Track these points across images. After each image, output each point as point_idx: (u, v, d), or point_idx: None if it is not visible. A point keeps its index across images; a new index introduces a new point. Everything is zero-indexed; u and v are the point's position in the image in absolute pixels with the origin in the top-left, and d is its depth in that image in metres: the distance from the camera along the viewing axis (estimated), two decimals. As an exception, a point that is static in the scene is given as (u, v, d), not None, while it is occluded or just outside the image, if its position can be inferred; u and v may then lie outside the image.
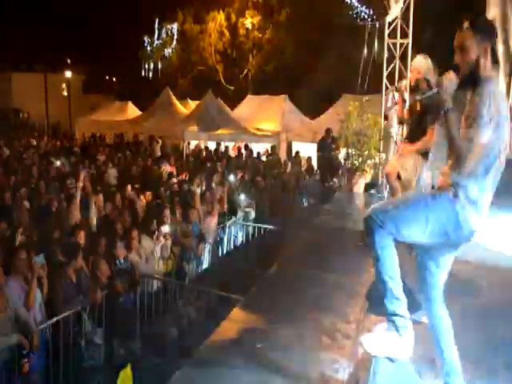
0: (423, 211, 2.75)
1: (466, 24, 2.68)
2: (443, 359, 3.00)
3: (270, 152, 19.51)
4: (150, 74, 35.13)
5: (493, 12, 8.65)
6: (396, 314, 2.85)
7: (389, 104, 10.53)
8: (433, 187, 2.92)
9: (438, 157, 4.16)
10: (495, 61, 2.73)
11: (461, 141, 2.57)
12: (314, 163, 16.78)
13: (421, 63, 5.44)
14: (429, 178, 4.76)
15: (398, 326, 2.85)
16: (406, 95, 6.11)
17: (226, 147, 20.42)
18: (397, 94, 10.30)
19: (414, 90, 5.66)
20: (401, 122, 6.52)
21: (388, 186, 9.49)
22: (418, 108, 5.47)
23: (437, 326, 3.03)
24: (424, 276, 3.05)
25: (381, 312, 3.88)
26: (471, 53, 2.68)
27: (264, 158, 18.83)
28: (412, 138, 5.63)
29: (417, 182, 5.45)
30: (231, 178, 12.66)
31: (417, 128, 5.54)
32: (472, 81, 2.70)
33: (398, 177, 5.69)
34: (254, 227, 10.33)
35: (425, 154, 5.40)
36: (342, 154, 11.86)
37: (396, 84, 11.05)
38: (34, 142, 21.27)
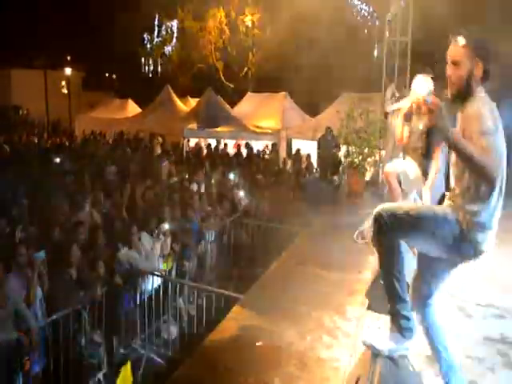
0: (431, 226, 2.73)
1: (461, 39, 2.64)
2: (441, 359, 3.01)
3: (270, 149, 19.49)
4: (150, 72, 35.10)
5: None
6: (400, 315, 2.85)
7: (389, 101, 10.54)
8: (441, 199, 2.92)
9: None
10: (486, 78, 2.69)
11: (474, 149, 2.46)
12: (314, 161, 16.76)
13: (422, 88, 5.31)
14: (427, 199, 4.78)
15: (402, 326, 2.85)
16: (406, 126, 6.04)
17: (225, 144, 20.41)
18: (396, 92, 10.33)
19: (416, 112, 5.60)
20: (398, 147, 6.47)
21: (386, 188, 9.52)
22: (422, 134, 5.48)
23: (431, 329, 3.04)
24: (420, 279, 3.05)
25: (381, 310, 3.90)
26: (464, 69, 2.65)
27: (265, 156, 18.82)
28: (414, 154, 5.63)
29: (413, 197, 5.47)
30: (231, 175, 12.64)
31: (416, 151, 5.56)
32: (463, 96, 2.68)
33: (398, 180, 5.67)
34: (253, 225, 10.31)
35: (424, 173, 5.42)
36: (342, 151, 11.86)
37: (395, 82, 11.08)
38: (36, 140, 21.24)
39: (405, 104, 5.63)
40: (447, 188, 2.95)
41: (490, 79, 2.69)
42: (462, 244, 2.70)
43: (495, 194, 2.63)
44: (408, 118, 5.70)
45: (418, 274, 3.07)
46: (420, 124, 5.38)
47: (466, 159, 2.51)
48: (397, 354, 2.90)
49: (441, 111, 2.47)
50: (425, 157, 5.43)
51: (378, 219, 2.80)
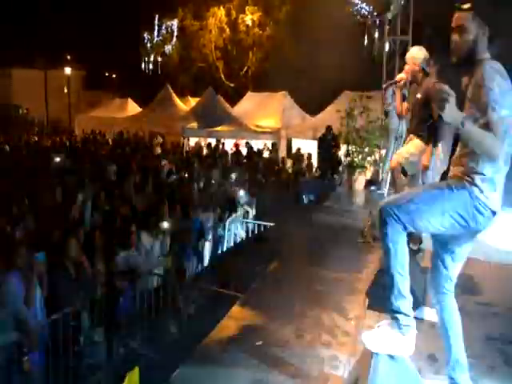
0: (439, 203, 2.72)
1: (466, 5, 2.69)
2: (450, 354, 2.99)
3: (269, 149, 19.49)
4: (150, 71, 35.08)
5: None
6: (400, 312, 2.84)
7: (389, 100, 10.53)
8: (442, 177, 2.92)
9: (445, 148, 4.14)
10: (491, 42, 2.74)
11: (485, 133, 2.52)
12: (315, 160, 16.77)
13: (418, 53, 5.41)
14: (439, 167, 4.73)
15: (402, 323, 2.84)
16: (405, 91, 6.06)
17: (223, 144, 20.40)
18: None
19: (412, 82, 5.63)
20: (400, 117, 6.48)
21: (389, 182, 9.51)
22: (418, 101, 5.44)
23: (447, 320, 3.01)
24: (438, 269, 3.03)
25: (381, 309, 3.89)
26: (470, 34, 2.70)
27: (265, 155, 18.80)
28: (417, 131, 5.58)
29: (424, 175, 5.41)
30: (231, 174, 12.63)
31: (420, 122, 5.50)
32: (469, 62, 2.72)
33: (403, 173, 5.66)
34: (253, 224, 10.31)
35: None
36: (342, 150, 11.86)
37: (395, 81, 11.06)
38: (36, 138, 21.25)
39: (401, 75, 5.68)
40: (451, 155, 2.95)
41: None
42: (476, 208, 2.70)
43: (501, 158, 2.66)
44: (405, 86, 5.76)
45: (436, 261, 3.04)
46: (418, 94, 5.41)
47: (474, 143, 2.59)
48: (396, 353, 2.89)
49: (453, 100, 2.49)
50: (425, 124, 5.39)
51: (383, 213, 2.78)
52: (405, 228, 2.75)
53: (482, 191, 2.68)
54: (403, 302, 2.83)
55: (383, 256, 2.85)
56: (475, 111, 2.60)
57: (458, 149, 2.84)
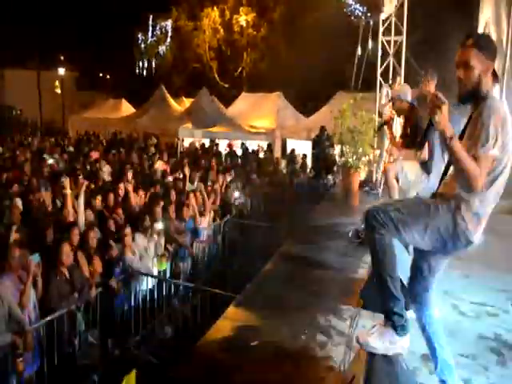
0: (424, 218, 2.77)
1: (469, 41, 2.67)
2: (436, 357, 3.04)
3: (264, 149, 19.50)
4: (144, 72, 35.04)
5: (486, 12, 8.65)
6: (394, 313, 2.86)
7: (383, 101, 10.56)
8: (433, 195, 2.95)
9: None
10: (496, 80, 2.76)
11: (469, 160, 2.55)
12: (309, 161, 16.79)
13: (401, 91, 5.63)
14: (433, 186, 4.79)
15: (396, 324, 2.86)
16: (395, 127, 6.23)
17: (217, 144, 20.40)
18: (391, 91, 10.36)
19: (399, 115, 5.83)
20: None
21: (383, 182, 9.54)
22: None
23: (429, 327, 3.08)
24: (417, 278, 3.10)
25: (376, 309, 3.90)
26: (475, 70, 2.68)
27: (260, 156, 18.81)
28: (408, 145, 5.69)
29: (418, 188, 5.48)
30: (226, 175, 12.63)
31: (413, 139, 5.61)
32: (474, 98, 2.73)
33: (396, 178, 5.70)
34: (248, 225, 10.31)
35: (424, 164, 5.44)
36: (336, 151, 11.87)
37: (390, 81, 11.11)
38: (30, 139, 21.15)
39: (388, 114, 5.87)
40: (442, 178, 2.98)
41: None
42: (456, 234, 2.75)
43: (494, 188, 2.71)
44: (391, 125, 5.93)
45: (415, 270, 3.10)
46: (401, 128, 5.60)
47: (458, 165, 2.61)
48: (391, 353, 2.90)
49: (446, 108, 2.52)
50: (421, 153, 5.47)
51: (369, 217, 2.82)
52: (390, 233, 2.78)
53: (465, 221, 2.72)
54: (396, 302, 2.86)
55: (372, 259, 2.88)
56: (468, 144, 2.63)
57: (451, 168, 2.86)
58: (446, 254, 2.94)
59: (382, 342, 2.88)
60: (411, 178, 5.56)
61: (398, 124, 6.14)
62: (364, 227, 2.90)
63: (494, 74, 2.74)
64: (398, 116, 6.06)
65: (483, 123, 2.59)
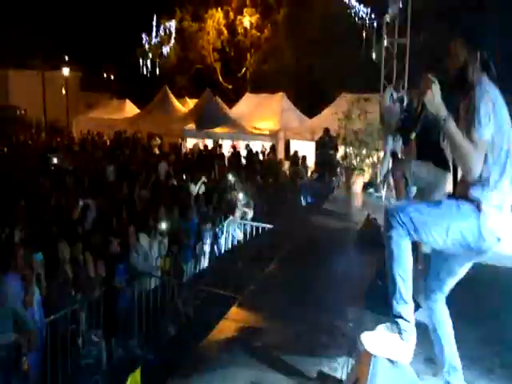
0: (446, 219, 2.73)
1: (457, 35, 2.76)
2: (443, 357, 3.01)
3: (268, 151, 19.48)
4: (148, 72, 35.04)
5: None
6: (401, 317, 2.84)
7: (386, 103, 10.54)
8: (452, 195, 2.93)
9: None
10: (486, 67, 2.75)
11: (466, 142, 2.56)
12: (311, 162, 16.77)
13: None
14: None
15: (402, 328, 2.84)
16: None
17: (220, 145, 20.40)
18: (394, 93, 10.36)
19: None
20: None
21: (386, 185, 9.53)
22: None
23: (438, 326, 3.05)
24: (433, 279, 3.07)
25: (379, 311, 3.90)
26: (459, 58, 2.74)
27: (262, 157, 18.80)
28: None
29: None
30: (229, 176, 12.64)
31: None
32: (460, 86, 2.75)
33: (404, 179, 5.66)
34: (251, 226, 10.32)
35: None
36: (340, 152, 11.87)
37: (394, 83, 11.09)
38: (30, 142, 21.20)
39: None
40: (455, 181, 2.97)
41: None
42: (479, 233, 2.69)
43: (506, 175, 2.69)
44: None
45: (433, 271, 3.07)
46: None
47: (454, 146, 2.61)
48: (394, 358, 2.89)
49: (437, 88, 2.55)
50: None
51: (388, 216, 2.80)
52: (409, 234, 2.76)
53: (488, 218, 2.68)
54: (405, 306, 2.84)
55: (386, 259, 2.86)
56: (462, 130, 2.62)
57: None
58: (471, 257, 2.89)
59: (386, 345, 2.87)
60: (429, 178, 5.45)
61: None
62: (384, 226, 2.87)
63: (485, 63, 2.74)
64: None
65: (474, 105, 2.60)
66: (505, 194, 2.72)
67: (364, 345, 2.92)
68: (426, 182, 5.44)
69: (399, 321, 2.84)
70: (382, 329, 2.94)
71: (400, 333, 2.84)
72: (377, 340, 2.89)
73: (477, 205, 2.71)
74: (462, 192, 2.84)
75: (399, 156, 6.19)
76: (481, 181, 2.69)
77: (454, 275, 3.01)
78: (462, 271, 3.01)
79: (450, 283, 3.05)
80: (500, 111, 2.64)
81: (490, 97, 2.62)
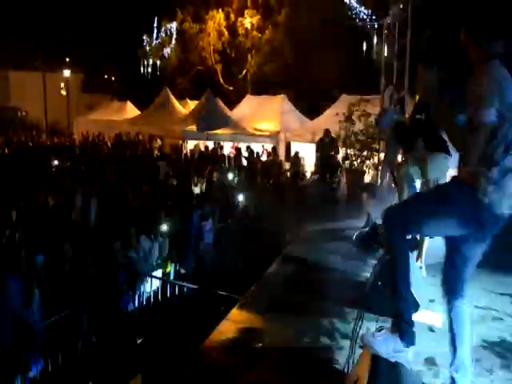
0: (446, 206, 2.73)
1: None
2: (455, 354, 2.99)
3: (270, 152, 19.47)
4: (149, 74, 35.05)
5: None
6: (402, 319, 2.84)
7: (387, 104, 10.55)
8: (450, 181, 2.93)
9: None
10: (493, 53, 2.76)
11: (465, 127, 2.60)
12: (311, 163, 16.78)
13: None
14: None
15: (402, 330, 2.85)
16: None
17: (222, 146, 20.41)
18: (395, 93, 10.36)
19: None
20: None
21: (387, 184, 9.52)
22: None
23: (456, 324, 3.01)
24: (450, 272, 3.04)
25: (380, 313, 3.90)
26: (468, 47, 2.83)
27: (263, 158, 18.80)
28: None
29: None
30: (230, 177, 12.64)
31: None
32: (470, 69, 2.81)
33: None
34: (252, 227, 10.31)
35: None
36: (340, 154, 11.88)
37: (394, 84, 11.10)
38: (31, 144, 21.21)
39: None
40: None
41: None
42: (479, 208, 2.68)
43: (501, 151, 2.68)
44: None
45: (448, 262, 3.05)
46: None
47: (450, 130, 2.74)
48: (393, 360, 2.89)
49: (430, 74, 2.63)
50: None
51: (387, 217, 2.82)
52: (409, 232, 2.76)
53: (485, 194, 2.66)
54: (405, 305, 2.84)
55: (387, 261, 2.86)
56: (470, 111, 2.64)
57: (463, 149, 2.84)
58: (478, 238, 2.86)
59: (386, 347, 2.87)
60: (436, 174, 5.44)
61: None
62: (383, 228, 2.88)
63: (489, 52, 2.77)
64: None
65: (476, 90, 2.64)
66: (506, 172, 2.69)
67: (364, 343, 2.92)
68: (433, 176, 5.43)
69: (400, 322, 2.85)
70: (384, 330, 2.94)
71: (401, 334, 2.85)
72: (377, 341, 2.89)
73: (472, 182, 2.70)
74: (459, 174, 2.84)
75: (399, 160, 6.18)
76: (481, 160, 2.68)
77: (466, 260, 2.97)
78: (474, 255, 2.96)
79: (465, 270, 3.00)
80: (508, 92, 2.64)
81: (494, 76, 2.66)
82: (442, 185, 2.92)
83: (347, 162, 10.85)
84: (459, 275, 3.01)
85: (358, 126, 10.85)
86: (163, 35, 35.22)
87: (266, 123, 21.71)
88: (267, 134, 20.87)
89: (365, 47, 12.30)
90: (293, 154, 18.71)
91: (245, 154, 18.26)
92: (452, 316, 3.04)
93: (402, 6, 10.99)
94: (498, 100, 2.58)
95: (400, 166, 5.73)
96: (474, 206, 2.69)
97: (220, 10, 33.68)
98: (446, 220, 2.73)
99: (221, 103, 23.47)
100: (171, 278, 7.84)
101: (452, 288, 3.04)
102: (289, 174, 15.89)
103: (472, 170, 2.71)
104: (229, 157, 18.59)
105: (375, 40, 12.19)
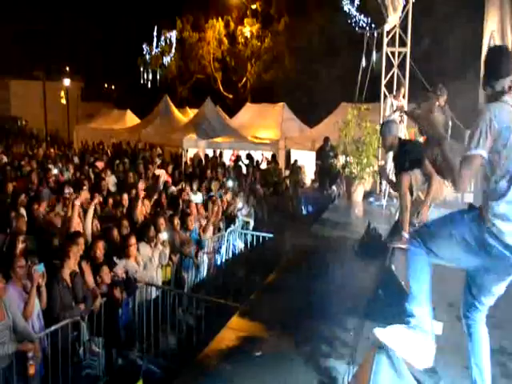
0: (449, 226, 2.88)
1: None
2: (474, 365, 3.07)
3: (269, 160, 19.49)
4: (149, 82, 35.17)
5: (491, 25, 8.71)
6: (417, 322, 2.93)
7: (387, 112, 10.59)
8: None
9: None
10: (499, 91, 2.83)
11: (455, 161, 2.70)
12: (311, 171, 16.80)
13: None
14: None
15: (417, 332, 2.93)
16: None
17: (221, 153, 20.43)
18: (395, 101, 10.41)
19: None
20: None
21: (387, 194, 9.54)
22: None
23: (470, 343, 3.12)
24: (466, 296, 3.13)
25: (381, 320, 3.90)
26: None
27: (263, 166, 18.81)
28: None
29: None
30: (230, 185, 12.63)
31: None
32: None
33: (410, 188, 5.76)
34: (252, 235, 10.31)
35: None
36: (340, 162, 11.88)
37: (394, 92, 11.14)
38: (36, 150, 21.22)
39: None
40: None
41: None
42: (486, 241, 2.75)
43: (505, 184, 2.75)
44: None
45: (465, 287, 3.14)
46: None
47: (448, 167, 2.75)
48: (409, 358, 2.93)
49: (430, 117, 2.70)
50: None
51: (411, 238, 3.04)
52: (426, 253, 2.88)
53: (493, 224, 2.74)
54: (420, 312, 2.92)
55: (407, 270, 2.98)
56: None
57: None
58: (492, 270, 2.92)
59: (402, 341, 2.91)
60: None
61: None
62: (406, 251, 3.07)
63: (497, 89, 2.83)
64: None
65: (472, 127, 2.74)
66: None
67: (378, 336, 2.95)
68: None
69: (414, 322, 2.93)
70: (395, 327, 2.99)
71: (416, 337, 2.91)
72: (392, 334, 2.93)
73: (479, 212, 2.77)
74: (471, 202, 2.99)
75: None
76: (486, 192, 2.78)
77: (482, 290, 3.05)
78: (490, 286, 3.03)
79: (485, 301, 3.09)
80: (503, 133, 2.70)
81: (485, 116, 2.72)
82: (455, 211, 3.03)
83: (347, 169, 10.83)
84: (474, 302, 3.10)
85: (358, 133, 10.86)
86: (163, 44, 35.39)
87: (265, 131, 21.76)
88: (267, 141, 20.91)
89: (364, 55, 12.31)
90: (292, 161, 18.74)
91: (245, 161, 18.27)
92: (470, 334, 3.14)
93: (401, 14, 11.04)
94: (487, 141, 2.68)
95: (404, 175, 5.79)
96: (481, 235, 2.78)
97: (220, 19, 33.85)
98: (450, 241, 2.86)
99: (221, 111, 23.53)
100: (171, 286, 7.81)
101: (468, 313, 3.15)
102: (288, 181, 15.88)
103: (482, 203, 2.83)
104: (228, 166, 18.59)
105: (375, 47, 12.22)
